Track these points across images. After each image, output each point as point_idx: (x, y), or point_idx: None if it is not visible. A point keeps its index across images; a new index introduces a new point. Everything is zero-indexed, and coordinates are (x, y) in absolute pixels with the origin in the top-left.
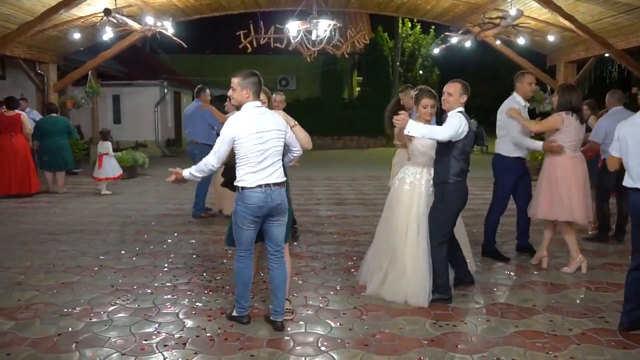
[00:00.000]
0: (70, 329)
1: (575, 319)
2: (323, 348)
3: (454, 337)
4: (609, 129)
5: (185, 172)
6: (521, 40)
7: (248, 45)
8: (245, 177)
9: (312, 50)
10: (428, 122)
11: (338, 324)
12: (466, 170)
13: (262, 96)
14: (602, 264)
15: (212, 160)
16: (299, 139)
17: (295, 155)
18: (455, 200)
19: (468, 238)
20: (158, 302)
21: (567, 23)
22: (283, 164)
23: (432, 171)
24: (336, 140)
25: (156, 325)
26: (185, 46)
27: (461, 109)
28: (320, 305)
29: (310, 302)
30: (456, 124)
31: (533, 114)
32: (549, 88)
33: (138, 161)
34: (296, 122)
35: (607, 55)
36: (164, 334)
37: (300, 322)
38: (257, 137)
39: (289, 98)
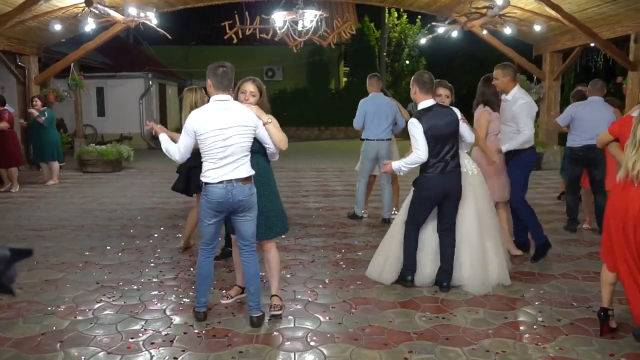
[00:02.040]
0: (54, 328)
1: (564, 309)
2: (312, 343)
3: (444, 329)
4: (577, 116)
5: (162, 138)
6: (507, 30)
7: (233, 36)
8: (207, 173)
9: (299, 40)
10: None
11: (327, 318)
12: (436, 164)
13: (252, 88)
14: (589, 254)
15: (173, 150)
16: (271, 137)
17: (270, 152)
18: (422, 191)
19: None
20: (144, 298)
21: (553, 13)
22: (268, 160)
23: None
24: (323, 131)
25: (143, 323)
26: (170, 37)
27: (422, 107)
28: (309, 299)
29: (299, 297)
30: (414, 137)
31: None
32: (535, 78)
33: (123, 154)
34: (270, 119)
35: (592, 44)
36: (151, 332)
37: (289, 317)
38: (218, 134)
39: (275, 89)
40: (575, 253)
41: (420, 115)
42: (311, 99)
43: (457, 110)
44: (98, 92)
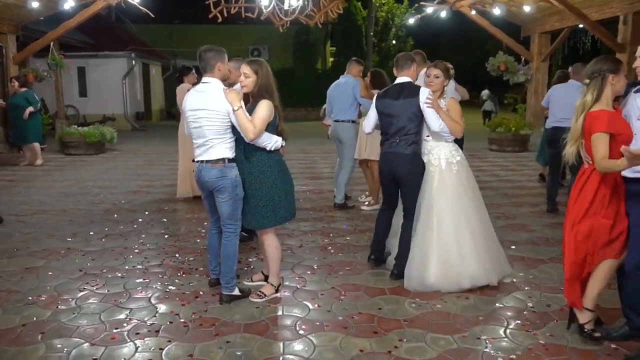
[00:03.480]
0: (35, 319)
1: (553, 294)
2: (301, 332)
3: (434, 316)
4: (552, 98)
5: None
6: (497, 11)
7: (218, 15)
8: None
9: (285, 20)
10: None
11: (316, 305)
12: (384, 142)
13: (246, 69)
14: None
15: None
16: (238, 124)
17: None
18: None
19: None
20: (129, 286)
21: None
22: (271, 151)
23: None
24: (310, 112)
25: (127, 312)
26: (153, 16)
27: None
28: (298, 285)
29: (287, 283)
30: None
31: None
32: (522, 59)
33: (106, 136)
34: (240, 107)
35: (581, 26)
36: (136, 321)
37: (278, 305)
38: (190, 115)
39: None
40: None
41: (382, 92)
42: (298, 79)
43: (424, 94)
44: (79, 72)
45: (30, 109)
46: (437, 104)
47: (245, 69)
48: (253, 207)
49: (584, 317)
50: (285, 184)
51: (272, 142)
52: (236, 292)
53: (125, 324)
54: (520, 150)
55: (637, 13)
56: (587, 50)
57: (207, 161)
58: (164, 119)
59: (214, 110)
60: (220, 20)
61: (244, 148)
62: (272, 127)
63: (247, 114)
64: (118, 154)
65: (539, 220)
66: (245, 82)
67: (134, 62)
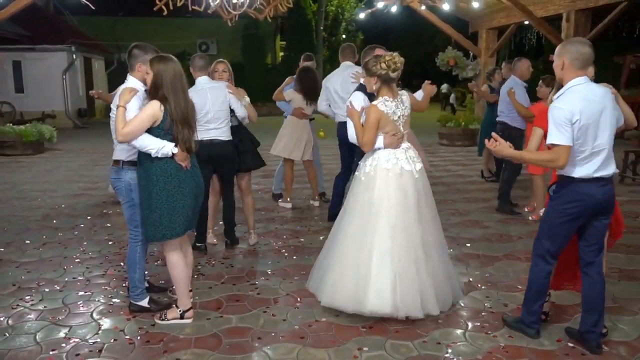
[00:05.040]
0: None
1: (510, 293)
2: (256, 344)
3: (393, 321)
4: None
5: None
6: (446, 6)
7: (164, 8)
8: None
9: (233, 13)
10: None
11: (271, 314)
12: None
13: (147, 66)
14: (529, 233)
15: None
16: None
17: None
18: None
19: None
20: (68, 301)
21: None
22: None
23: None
24: (260, 107)
25: (66, 330)
26: (93, 7)
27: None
28: (250, 293)
29: (240, 292)
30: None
31: (456, 80)
32: (471, 54)
33: (45, 135)
34: (122, 106)
35: (526, 22)
36: (76, 340)
37: (230, 316)
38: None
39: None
40: (517, 232)
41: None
42: (247, 74)
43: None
44: (15, 67)
45: None
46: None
47: (147, 64)
48: (142, 217)
49: None
50: (171, 199)
51: (156, 147)
52: (144, 302)
53: (64, 344)
54: (470, 145)
55: (579, 11)
56: (532, 47)
57: (112, 161)
58: (108, 115)
59: (113, 111)
60: (166, 13)
61: (139, 152)
62: (158, 131)
63: (129, 115)
64: (58, 154)
65: (491, 216)
66: (147, 79)
67: (74, 56)
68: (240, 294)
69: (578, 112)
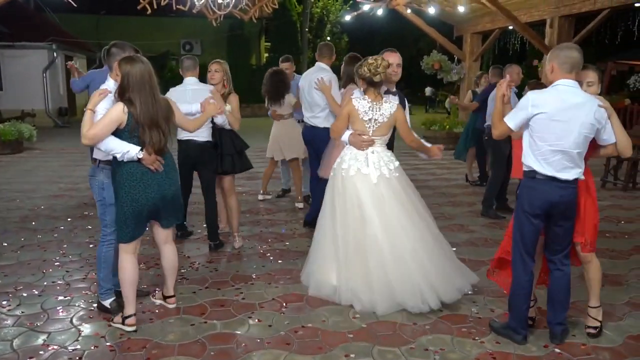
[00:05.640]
0: None
1: (496, 298)
2: (240, 350)
3: (380, 327)
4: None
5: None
6: (432, 10)
7: (147, 7)
8: None
9: (218, 13)
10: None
11: (256, 320)
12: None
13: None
14: None
15: None
16: None
17: None
18: None
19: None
20: (47, 306)
21: None
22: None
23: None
24: (244, 109)
25: (45, 337)
26: (75, 5)
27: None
28: (235, 298)
29: (224, 296)
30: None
31: (440, 84)
32: (455, 58)
33: (24, 134)
34: (90, 109)
35: (511, 27)
36: (55, 348)
37: (214, 321)
38: None
39: None
40: (502, 237)
41: None
42: (231, 74)
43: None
44: None
45: None
46: None
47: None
48: (115, 217)
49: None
50: (135, 203)
51: (120, 151)
52: (106, 302)
53: (42, 352)
54: (454, 148)
55: (562, 17)
56: (516, 52)
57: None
58: None
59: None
60: (149, 12)
61: None
62: (125, 134)
63: (98, 117)
64: (38, 154)
65: (476, 220)
66: (118, 80)
67: (55, 54)
68: (225, 299)
69: (544, 106)
